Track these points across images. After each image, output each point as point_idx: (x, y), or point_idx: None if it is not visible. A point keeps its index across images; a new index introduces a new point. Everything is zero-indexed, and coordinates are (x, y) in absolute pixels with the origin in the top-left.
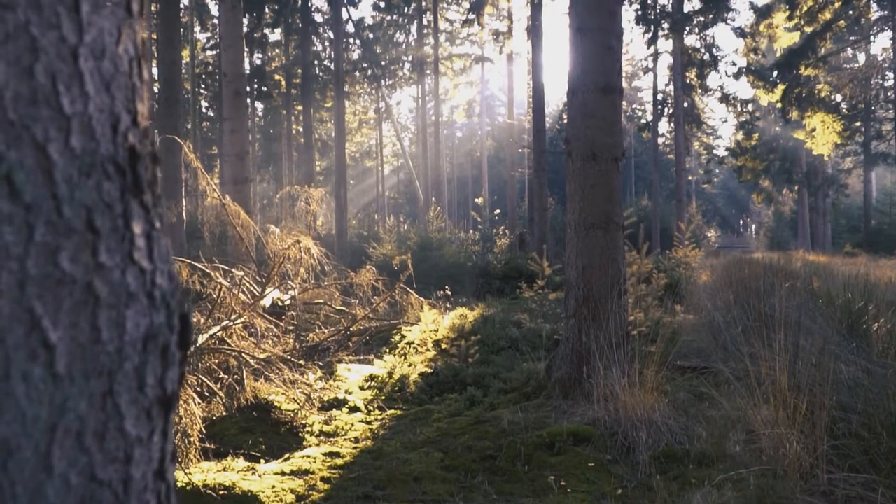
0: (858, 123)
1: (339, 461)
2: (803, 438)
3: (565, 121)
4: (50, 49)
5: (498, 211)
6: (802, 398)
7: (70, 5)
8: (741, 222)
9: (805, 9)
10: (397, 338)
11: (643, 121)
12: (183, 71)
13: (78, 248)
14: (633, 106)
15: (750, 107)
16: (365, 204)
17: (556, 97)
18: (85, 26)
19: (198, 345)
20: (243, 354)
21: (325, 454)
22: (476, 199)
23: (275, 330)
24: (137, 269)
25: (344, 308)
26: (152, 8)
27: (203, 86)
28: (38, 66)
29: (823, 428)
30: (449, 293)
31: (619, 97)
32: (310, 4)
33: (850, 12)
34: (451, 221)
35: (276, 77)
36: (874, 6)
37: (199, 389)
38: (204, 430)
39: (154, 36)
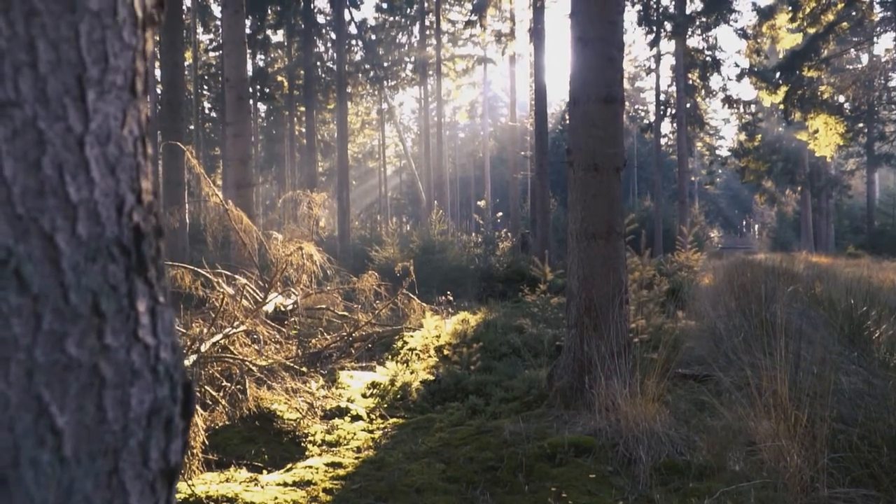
0: (861, 125)
1: (341, 472)
2: (804, 451)
3: (567, 121)
4: (56, 140)
5: (500, 213)
6: (803, 410)
7: (76, 95)
8: (744, 223)
9: (808, 10)
10: (399, 343)
11: (646, 121)
12: (185, 73)
13: (84, 333)
14: (636, 107)
15: (753, 108)
16: (368, 205)
17: (558, 97)
18: (91, 114)
19: (201, 352)
20: (246, 362)
21: (327, 464)
22: (478, 202)
23: (277, 336)
24: (142, 346)
25: (346, 314)
26: None
27: (206, 87)
28: (45, 159)
29: (824, 440)
30: (451, 298)
31: (620, 107)
32: (312, 6)
33: (853, 13)
34: (453, 222)
35: (279, 79)
36: (877, 7)
37: (201, 398)
38: (206, 441)
39: (156, 38)
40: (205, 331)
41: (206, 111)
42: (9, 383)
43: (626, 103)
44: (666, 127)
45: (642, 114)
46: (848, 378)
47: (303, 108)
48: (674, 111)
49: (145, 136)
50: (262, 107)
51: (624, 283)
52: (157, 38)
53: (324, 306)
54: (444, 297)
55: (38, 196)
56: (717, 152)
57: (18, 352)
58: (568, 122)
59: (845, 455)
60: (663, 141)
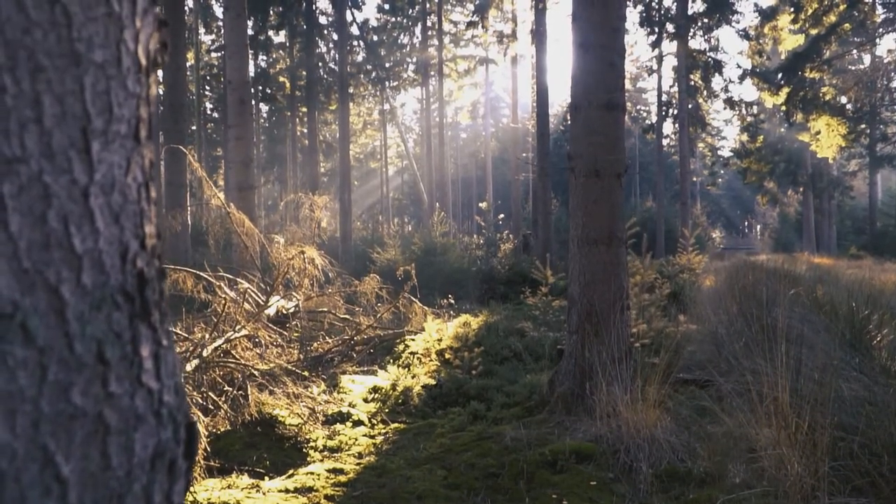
0: (864, 126)
1: (342, 478)
2: (804, 459)
3: (569, 122)
4: (61, 193)
5: (502, 215)
6: (804, 417)
7: (81, 147)
8: (746, 223)
9: (810, 11)
10: (401, 347)
11: (647, 122)
12: (188, 73)
13: (89, 382)
14: (638, 107)
15: (755, 109)
16: (369, 205)
17: (560, 98)
18: (95, 165)
19: (203, 357)
20: (248, 367)
21: (328, 470)
22: (480, 204)
23: (279, 340)
24: (145, 391)
25: (348, 317)
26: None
27: (207, 88)
28: (51, 212)
29: (824, 449)
30: (452, 301)
31: (621, 114)
32: (314, 7)
33: (856, 14)
34: (455, 223)
35: (281, 79)
36: (880, 8)
37: (203, 403)
38: (209, 447)
39: None
40: (206, 336)
41: (209, 111)
42: (15, 435)
43: (629, 104)
44: (668, 127)
45: (644, 114)
46: (849, 385)
47: (305, 109)
48: (676, 112)
49: (149, 181)
50: (263, 107)
51: (625, 289)
52: None
53: (325, 309)
54: (445, 300)
55: (44, 249)
56: (720, 153)
57: (24, 403)
58: (569, 126)
59: (846, 463)
60: (665, 141)
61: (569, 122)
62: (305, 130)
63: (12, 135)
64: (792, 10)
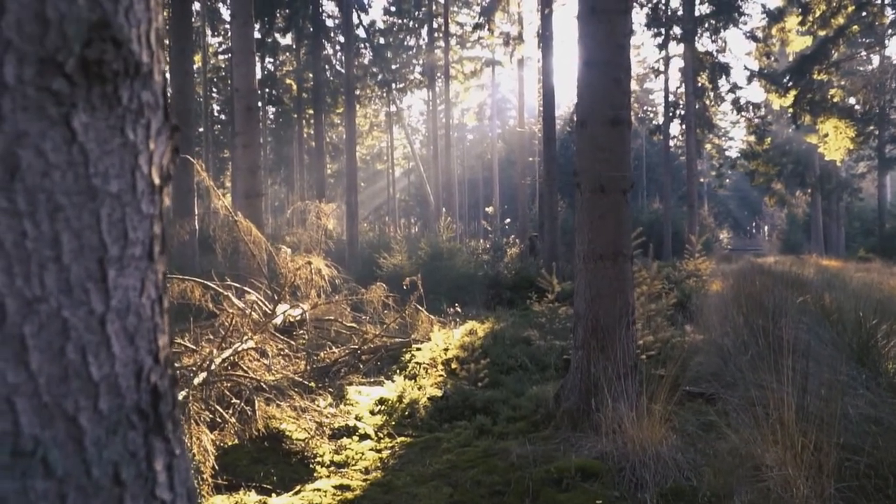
0: (872, 127)
1: (349, 495)
2: (810, 481)
3: (575, 136)
4: (79, 325)
5: (508, 220)
6: (810, 437)
7: (98, 277)
8: (753, 224)
9: (818, 13)
10: (407, 356)
11: (654, 123)
12: (195, 76)
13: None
14: (645, 108)
15: (762, 110)
16: (376, 206)
17: (567, 100)
18: (111, 291)
19: (211, 370)
20: (255, 379)
21: (335, 487)
22: (487, 209)
23: (286, 350)
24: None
25: (355, 325)
26: (164, 14)
27: (215, 90)
28: (69, 345)
29: (830, 470)
30: (459, 309)
31: (627, 129)
32: (321, 10)
33: (864, 14)
34: (461, 224)
35: (288, 81)
36: (889, 10)
37: (211, 416)
38: (216, 463)
39: (166, 43)
40: (215, 351)
41: (216, 113)
42: None
43: (635, 104)
44: (675, 129)
45: (651, 115)
46: (855, 403)
47: (311, 112)
48: (682, 113)
49: (163, 294)
50: (270, 110)
51: (631, 305)
52: (167, 45)
53: (332, 317)
54: (452, 309)
55: (62, 381)
56: (727, 153)
57: None
58: (576, 143)
59: (852, 485)
60: (672, 143)
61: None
62: (312, 132)
63: (32, 276)
64: (800, 11)
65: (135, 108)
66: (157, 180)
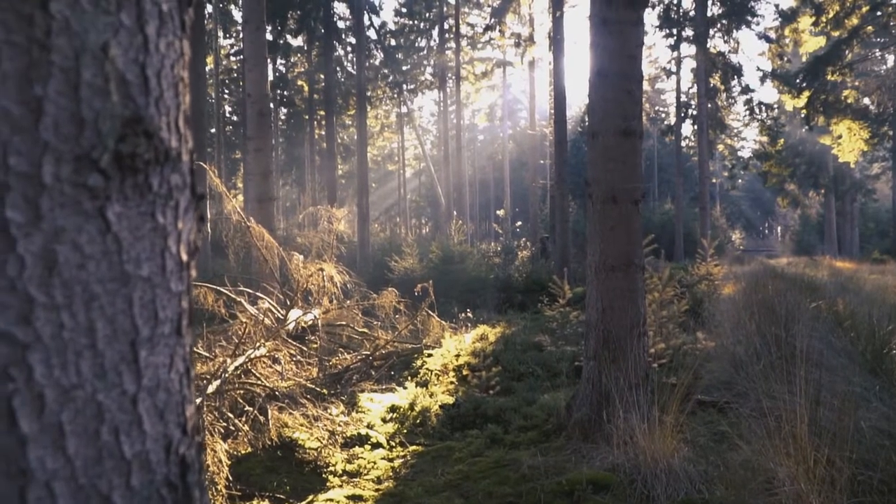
0: (886, 128)
1: None
2: (823, 497)
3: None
4: (112, 406)
5: (519, 223)
6: (822, 451)
7: (130, 360)
8: (766, 224)
9: (832, 14)
10: (419, 362)
11: (666, 123)
12: (208, 78)
13: None
14: (657, 108)
15: (775, 111)
16: (387, 207)
17: (578, 100)
18: (142, 371)
19: (224, 377)
20: (268, 387)
21: (347, 497)
22: (498, 211)
23: (298, 357)
24: None
25: (366, 330)
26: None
27: (227, 92)
28: (104, 428)
29: (843, 485)
30: (470, 314)
31: (639, 140)
32: (332, 12)
33: (878, 14)
34: (471, 224)
35: (299, 83)
36: None
37: (225, 427)
38: (230, 474)
39: None
40: (228, 360)
41: (228, 115)
42: None
43: (646, 105)
44: (687, 129)
45: (662, 115)
46: (868, 416)
47: (323, 113)
48: (695, 113)
49: (189, 367)
50: (282, 111)
51: (642, 315)
52: None
53: (344, 322)
54: (463, 314)
55: (97, 462)
56: (739, 154)
57: None
58: (587, 154)
59: (865, 501)
60: (684, 143)
61: (587, 123)
62: (323, 134)
63: (69, 365)
64: (813, 12)
65: (164, 192)
66: (185, 257)
